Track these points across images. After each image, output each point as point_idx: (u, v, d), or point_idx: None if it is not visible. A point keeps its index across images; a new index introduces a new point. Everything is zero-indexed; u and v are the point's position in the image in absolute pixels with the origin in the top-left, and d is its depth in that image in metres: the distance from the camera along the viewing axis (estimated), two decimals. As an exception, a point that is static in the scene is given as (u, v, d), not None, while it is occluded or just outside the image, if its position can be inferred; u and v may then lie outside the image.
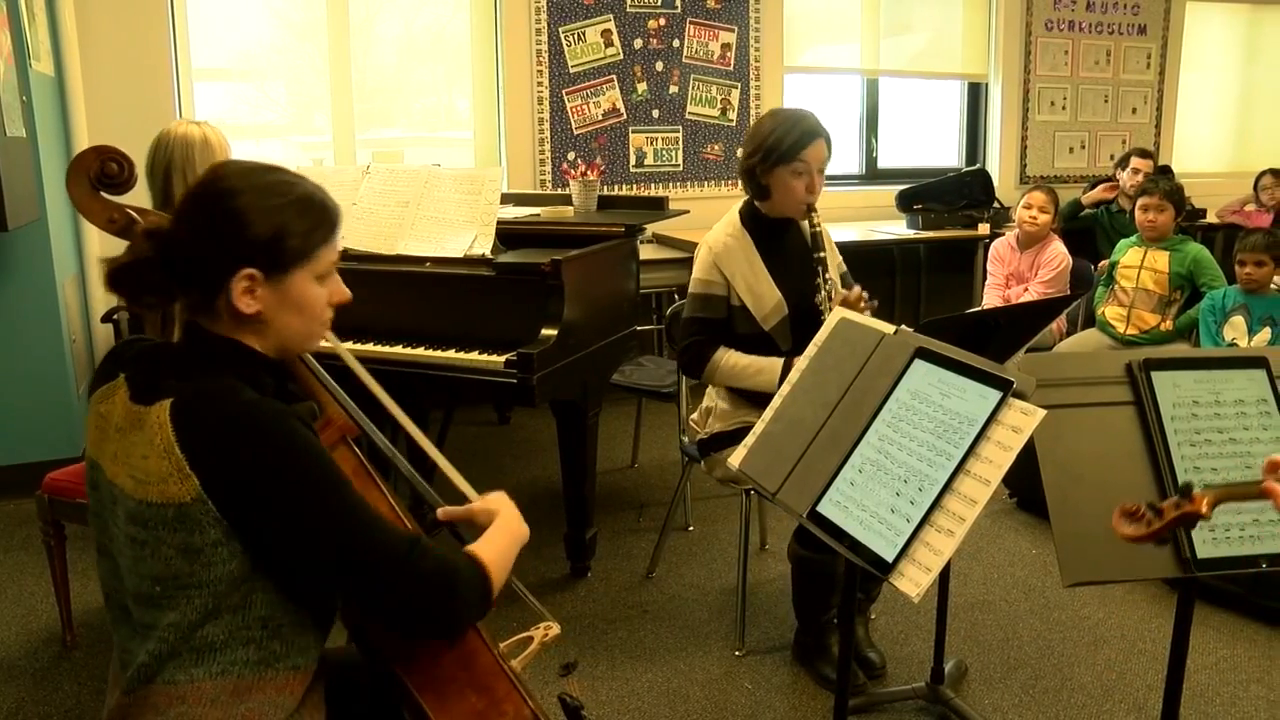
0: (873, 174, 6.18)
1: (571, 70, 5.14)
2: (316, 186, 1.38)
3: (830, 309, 2.51)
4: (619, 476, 4.14)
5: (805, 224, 2.68)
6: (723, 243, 2.68)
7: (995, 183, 5.89)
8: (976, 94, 6.37)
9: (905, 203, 5.60)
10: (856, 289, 2.57)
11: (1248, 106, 7.17)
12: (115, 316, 3.81)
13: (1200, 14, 6.76)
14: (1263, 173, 5.96)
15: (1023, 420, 1.52)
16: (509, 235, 3.16)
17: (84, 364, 4.07)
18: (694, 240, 3.36)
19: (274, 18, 4.77)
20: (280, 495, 1.22)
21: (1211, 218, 6.04)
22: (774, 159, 2.58)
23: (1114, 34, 6.46)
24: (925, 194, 5.63)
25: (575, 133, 5.19)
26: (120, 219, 1.56)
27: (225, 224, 1.28)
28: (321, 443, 1.29)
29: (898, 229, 5.47)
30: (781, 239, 2.73)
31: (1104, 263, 4.57)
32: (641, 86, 5.29)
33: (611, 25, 5.18)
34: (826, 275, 2.60)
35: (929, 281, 6.03)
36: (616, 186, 5.28)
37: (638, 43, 5.24)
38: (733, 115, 5.51)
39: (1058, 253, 4.54)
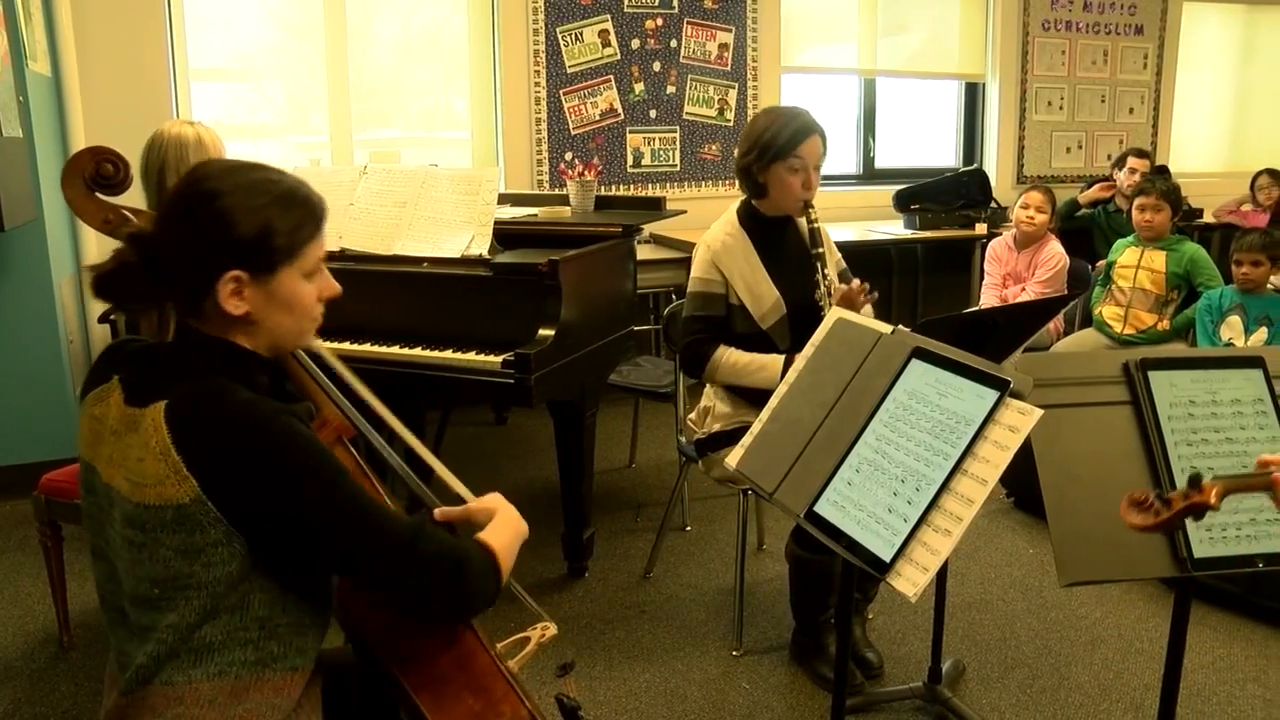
0: (870, 174, 6.18)
1: (569, 70, 5.13)
2: (299, 181, 1.36)
3: (830, 305, 2.52)
4: (616, 477, 4.14)
5: (803, 221, 2.69)
6: (721, 241, 2.68)
7: (992, 183, 5.89)
8: (974, 94, 6.38)
9: (902, 203, 5.60)
10: (856, 281, 2.57)
11: (1244, 106, 7.18)
12: (112, 317, 3.81)
13: (1197, 14, 6.76)
14: (1259, 173, 5.97)
15: (1020, 420, 1.52)
16: (506, 235, 3.15)
17: (81, 364, 4.06)
18: (691, 240, 3.36)
19: (271, 18, 4.76)
20: (282, 492, 1.22)
21: (1208, 217, 6.05)
22: (770, 156, 2.59)
23: (1111, 34, 6.46)
24: (922, 194, 5.63)
25: (572, 133, 5.19)
26: (115, 220, 1.56)
27: (209, 226, 1.27)
28: None
29: (895, 229, 5.48)
30: (780, 238, 2.73)
31: (1101, 263, 4.57)
32: (639, 87, 5.29)
33: (609, 25, 5.18)
34: (825, 271, 2.60)
35: (926, 281, 6.04)
36: (614, 187, 5.27)
37: (635, 43, 5.24)
38: (730, 115, 5.51)
39: (1055, 252, 4.54)
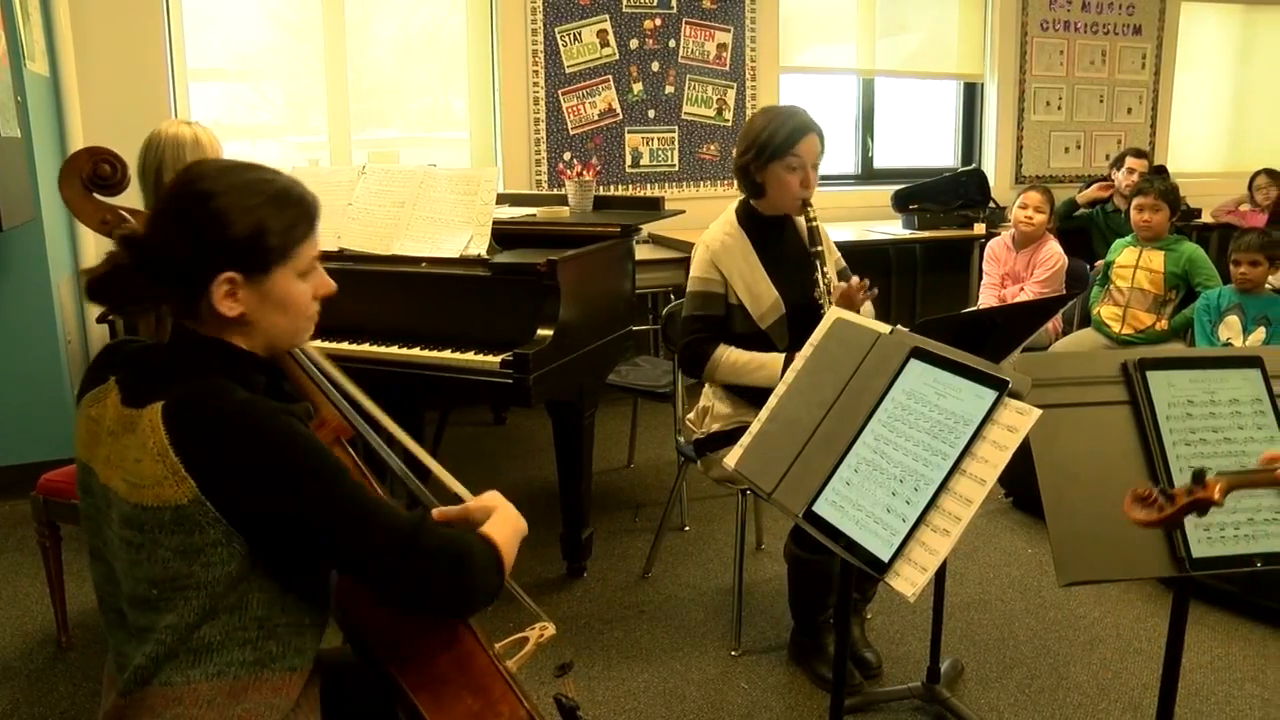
0: (868, 174, 6.19)
1: (567, 70, 5.13)
2: (293, 180, 1.35)
3: (830, 303, 2.52)
4: (615, 477, 4.14)
5: (801, 219, 2.69)
6: (720, 241, 2.68)
7: (991, 182, 5.89)
8: (972, 94, 6.38)
9: (901, 203, 5.60)
10: (855, 278, 2.57)
11: (1242, 106, 7.18)
12: (110, 317, 3.80)
13: (1194, 14, 6.77)
14: (1257, 172, 5.98)
15: (1018, 420, 1.52)
16: (505, 235, 3.15)
17: (79, 364, 4.06)
18: (690, 240, 3.35)
19: (269, 18, 4.76)
20: (282, 491, 1.22)
21: (1206, 217, 6.05)
22: (767, 155, 2.59)
23: (1109, 34, 6.46)
24: (921, 194, 5.63)
25: (571, 133, 5.19)
26: (113, 220, 1.56)
27: (203, 227, 1.26)
28: None
29: (893, 229, 5.48)
30: (778, 238, 2.73)
31: (1100, 262, 4.58)
32: (637, 87, 5.29)
33: (607, 25, 5.17)
34: (824, 269, 2.60)
35: (925, 281, 6.04)
36: (612, 187, 5.27)
37: (634, 43, 5.24)
38: (729, 115, 5.51)
39: (1053, 252, 4.54)
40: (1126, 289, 4.26)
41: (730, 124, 5.51)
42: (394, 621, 1.44)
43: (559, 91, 5.13)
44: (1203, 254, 4.23)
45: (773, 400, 1.97)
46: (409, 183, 3.13)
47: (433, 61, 5.16)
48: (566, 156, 5.18)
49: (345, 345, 2.88)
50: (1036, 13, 6.22)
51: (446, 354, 2.80)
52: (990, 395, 1.56)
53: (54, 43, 4.01)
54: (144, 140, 2.66)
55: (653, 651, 2.76)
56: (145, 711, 1.26)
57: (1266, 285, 3.96)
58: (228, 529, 1.21)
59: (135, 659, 1.26)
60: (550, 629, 1.65)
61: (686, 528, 3.58)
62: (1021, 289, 4.57)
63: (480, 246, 2.96)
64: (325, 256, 3.13)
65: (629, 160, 5.34)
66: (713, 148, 5.51)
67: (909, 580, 1.50)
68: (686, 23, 5.34)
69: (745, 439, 1.96)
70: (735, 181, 2.73)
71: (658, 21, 5.27)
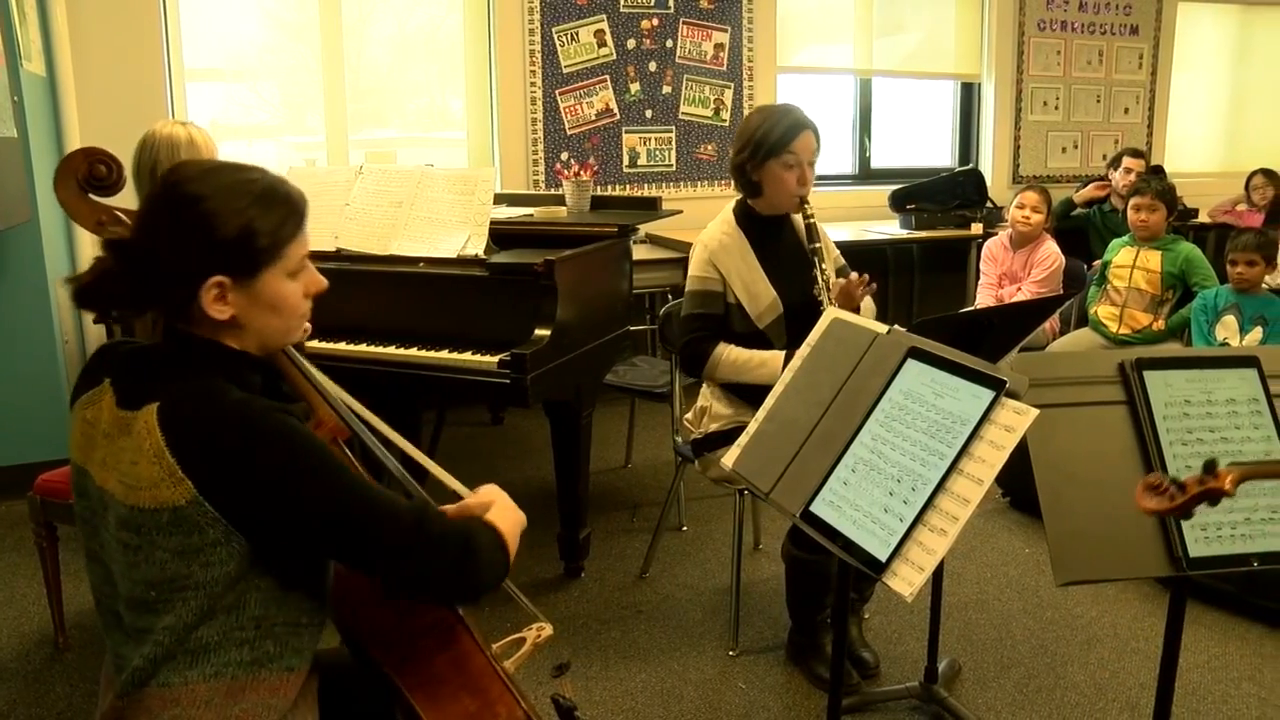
0: (866, 174, 6.19)
1: (564, 70, 5.13)
2: (278, 178, 1.34)
3: (829, 300, 2.52)
4: (612, 477, 4.14)
5: (799, 217, 2.69)
6: (718, 240, 2.68)
7: (988, 182, 5.89)
8: (969, 94, 6.38)
9: (898, 203, 5.60)
10: (854, 274, 2.57)
11: (1239, 106, 7.19)
12: (109, 317, 3.80)
13: (1191, 14, 6.77)
14: (1254, 172, 5.99)
15: (1016, 419, 1.52)
16: (502, 235, 3.15)
17: (76, 365, 4.05)
18: (687, 240, 3.35)
19: (267, 18, 4.76)
20: (282, 489, 1.21)
21: (1203, 217, 6.06)
22: (763, 153, 2.59)
23: (1106, 34, 6.47)
24: (918, 194, 5.63)
25: (568, 133, 5.19)
26: (108, 221, 1.55)
27: (191, 230, 1.25)
28: None
29: (891, 229, 5.48)
30: (776, 237, 2.73)
31: (1097, 262, 4.58)
32: (634, 87, 5.29)
33: (604, 25, 5.17)
34: (823, 266, 2.60)
35: (922, 281, 6.04)
36: (610, 187, 5.27)
37: (631, 43, 5.24)
38: (726, 115, 5.51)
39: (1051, 252, 4.55)
40: (1124, 289, 4.26)
41: (728, 124, 5.51)
42: (391, 622, 1.44)
43: (556, 91, 5.13)
44: (1200, 254, 4.23)
45: (770, 400, 1.97)
46: (406, 183, 3.13)
47: (430, 61, 5.15)
48: (564, 156, 5.18)
49: (343, 345, 2.88)
50: (1034, 13, 6.23)
51: (444, 354, 2.79)
52: (987, 395, 1.56)
53: (51, 43, 4.01)
54: (139, 140, 2.65)
55: (650, 651, 2.76)
56: (143, 713, 1.26)
57: (1263, 285, 3.97)
58: (227, 529, 1.21)
59: (133, 660, 1.26)
60: (548, 629, 1.65)
61: (684, 528, 3.58)
62: (1019, 289, 4.58)
63: (478, 246, 2.96)
64: (323, 257, 3.15)
65: (626, 160, 5.34)
66: (710, 148, 5.51)
67: (906, 580, 1.50)
68: (684, 23, 5.34)
69: (743, 439, 1.97)
70: (732, 181, 2.73)
71: (655, 21, 5.27)
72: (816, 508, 1.69)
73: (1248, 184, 5.99)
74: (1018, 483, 3.59)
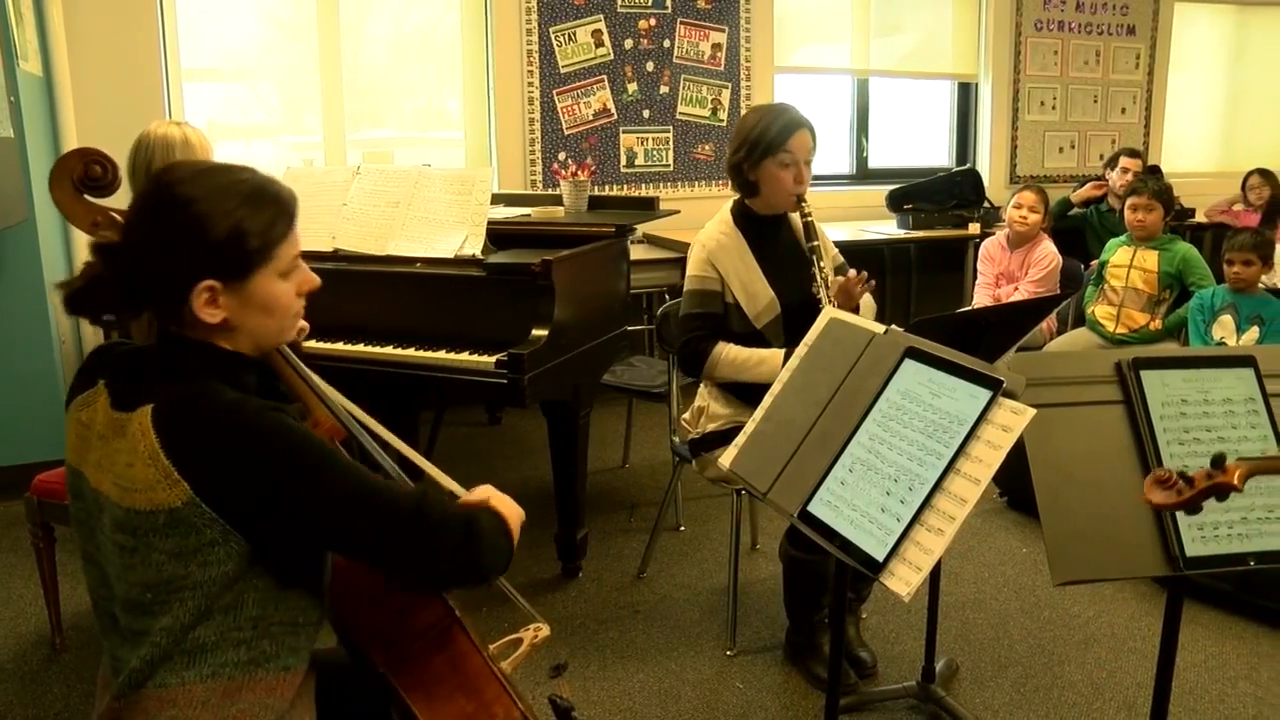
0: (863, 174, 6.19)
1: (562, 70, 5.13)
2: (268, 178, 1.33)
3: (828, 298, 2.52)
4: (610, 477, 4.14)
5: (796, 216, 2.69)
6: (716, 240, 2.68)
7: (985, 182, 5.90)
8: (966, 94, 6.39)
9: (895, 203, 5.61)
10: (852, 272, 2.56)
11: (1235, 106, 7.20)
12: (104, 319, 3.79)
13: (1188, 15, 6.79)
14: (1250, 172, 6.00)
15: (1013, 419, 1.52)
16: (499, 235, 3.15)
17: (73, 365, 4.05)
18: (685, 240, 3.35)
19: (264, 18, 4.75)
20: (280, 486, 1.21)
21: (1200, 217, 6.07)
22: (760, 152, 2.59)
23: (1103, 34, 6.48)
24: (915, 194, 5.64)
25: (566, 133, 5.19)
26: (104, 222, 1.55)
27: (182, 234, 1.24)
28: None
29: (888, 229, 5.48)
30: (774, 237, 2.73)
31: (1094, 262, 4.58)
32: (632, 87, 5.29)
33: (602, 25, 5.17)
34: (821, 264, 2.60)
35: (919, 281, 6.05)
36: (607, 187, 5.27)
37: (628, 43, 5.24)
38: (723, 115, 5.52)
39: (1048, 252, 4.55)
40: (1121, 288, 4.26)
41: (725, 124, 5.51)
42: (387, 623, 1.43)
43: (554, 91, 5.13)
44: (1196, 254, 4.24)
45: (767, 400, 1.97)
46: (404, 183, 3.13)
47: (427, 62, 5.15)
48: (561, 156, 5.18)
49: (340, 345, 2.87)
50: (1031, 13, 6.24)
51: (441, 354, 2.79)
52: (985, 395, 1.57)
53: (47, 42, 4.00)
54: (134, 141, 2.65)
55: (648, 651, 2.76)
56: (140, 714, 1.25)
57: (1260, 285, 3.97)
58: (225, 528, 1.21)
59: (130, 662, 1.25)
60: (545, 630, 1.65)
61: (681, 528, 3.58)
62: (1016, 289, 4.58)
63: (475, 246, 2.95)
64: (320, 257, 3.14)
65: (624, 160, 5.34)
66: (707, 148, 5.51)
67: (904, 580, 1.50)
68: (681, 23, 5.34)
69: (740, 439, 1.97)
70: (729, 181, 2.73)
71: (652, 22, 5.27)
72: (814, 507, 1.69)
73: (1244, 184, 6.00)
74: (1015, 482, 3.59)
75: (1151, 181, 4.36)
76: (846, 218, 5.74)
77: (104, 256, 1.28)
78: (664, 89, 5.36)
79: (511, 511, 1.46)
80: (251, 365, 1.35)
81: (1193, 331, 4.02)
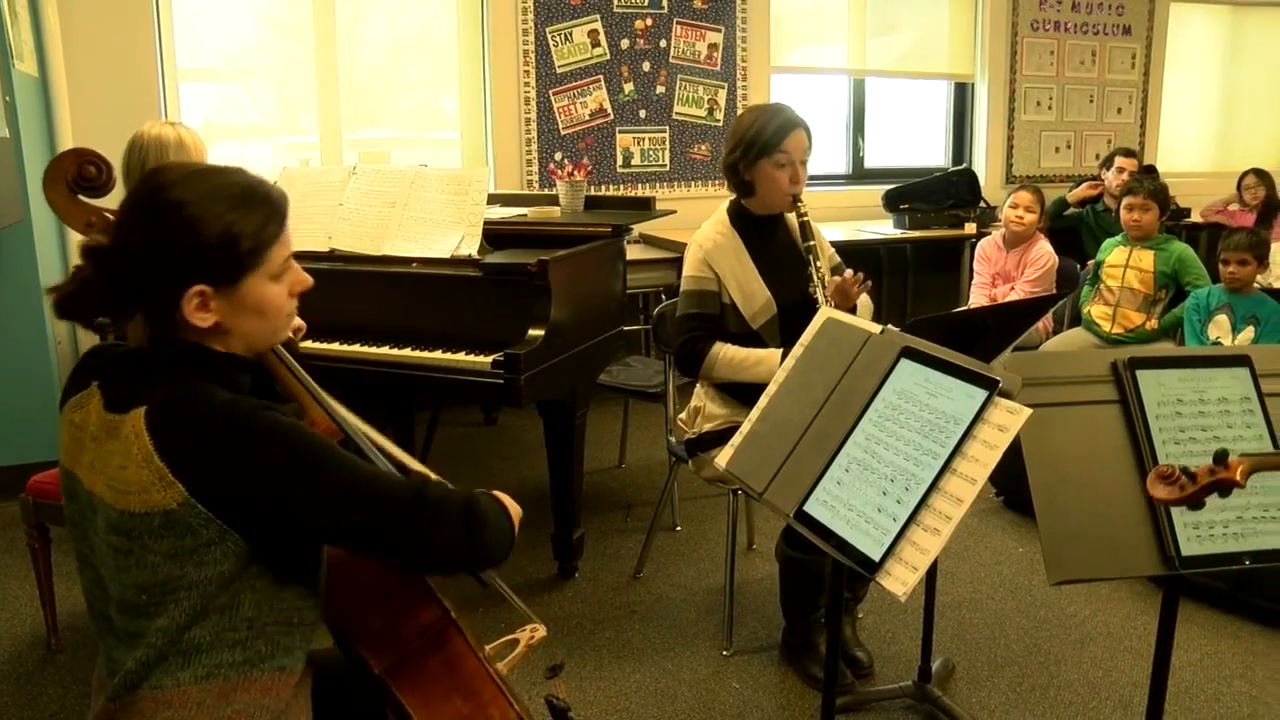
0: (859, 174, 6.20)
1: (558, 70, 5.13)
2: (258, 179, 1.32)
3: (825, 298, 2.52)
4: (606, 477, 4.14)
5: (792, 216, 2.69)
6: (712, 240, 2.68)
7: (981, 182, 5.90)
8: (963, 94, 6.39)
9: (892, 202, 5.61)
10: (849, 272, 2.56)
11: (1231, 106, 7.22)
12: (98, 321, 3.79)
13: (1183, 15, 6.80)
14: (1246, 172, 6.01)
15: (1009, 419, 1.52)
16: (496, 236, 3.15)
17: (68, 366, 4.04)
18: (681, 240, 3.35)
19: (260, 18, 4.75)
20: (277, 482, 1.21)
21: (1196, 217, 6.08)
22: (755, 152, 2.59)
23: (1099, 34, 6.49)
24: (912, 194, 5.64)
25: (562, 133, 5.19)
26: (98, 223, 1.55)
27: (174, 237, 1.23)
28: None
29: (884, 229, 5.49)
30: (770, 237, 2.73)
31: (1090, 262, 4.59)
32: (628, 87, 5.29)
33: (598, 25, 5.17)
34: (818, 264, 2.60)
35: (916, 281, 6.05)
36: (603, 187, 5.27)
37: (625, 43, 5.24)
38: (720, 115, 5.52)
39: (1044, 252, 4.55)
40: (1116, 288, 4.27)
41: (721, 124, 5.51)
42: (383, 624, 1.43)
43: (550, 91, 5.13)
44: (1192, 253, 4.24)
45: (764, 400, 1.97)
46: (400, 183, 3.12)
47: (423, 61, 5.15)
48: (557, 156, 5.17)
49: (336, 346, 2.87)
50: (1027, 13, 6.24)
51: (437, 354, 2.79)
52: (981, 395, 1.57)
53: (43, 42, 4.00)
54: (128, 141, 2.64)
55: (644, 652, 2.76)
56: (135, 715, 1.25)
57: (1255, 284, 3.98)
58: (222, 528, 1.21)
59: (126, 663, 1.25)
60: (541, 630, 1.65)
61: (678, 528, 3.58)
62: (1012, 288, 4.58)
63: (471, 247, 2.95)
64: (316, 257, 3.13)
65: (620, 160, 5.34)
66: (704, 148, 5.51)
67: (900, 579, 1.50)
68: (677, 23, 5.34)
69: (736, 439, 1.96)
70: (725, 181, 2.73)
71: (649, 21, 5.27)
72: (810, 507, 1.69)
73: (1239, 184, 6.01)
74: (1011, 482, 3.59)
75: (1147, 181, 4.37)
76: (843, 218, 5.74)
77: (94, 260, 1.27)
78: (660, 89, 5.36)
79: (511, 503, 1.46)
80: (245, 366, 1.35)
81: (1188, 331, 4.03)
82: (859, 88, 6.10)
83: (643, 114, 5.34)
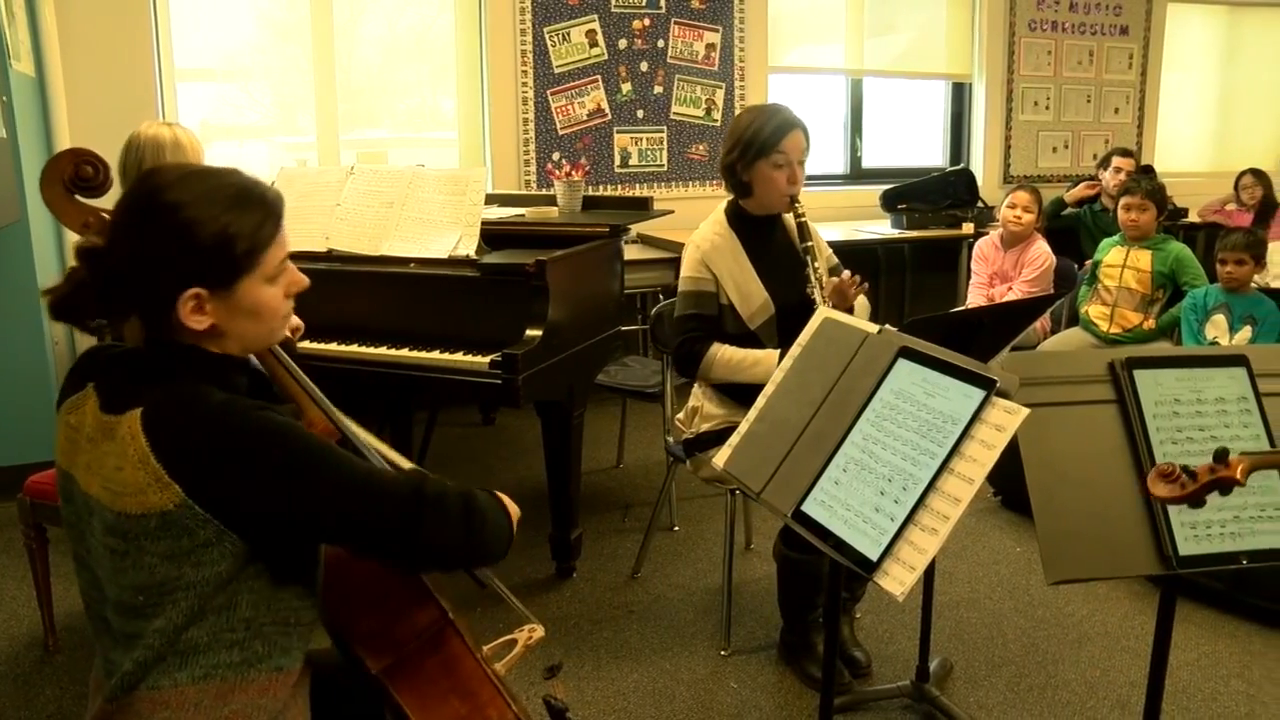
0: (857, 174, 6.20)
1: (556, 71, 5.13)
2: (254, 180, 1.31)
3: (822, 298, 2.52)
4: (604, 477, 4.14)
5: (789, 216, 2.69)
6: (710, 240, 2.68)
7: (979, 182, 5.91)
8: (960, 94, 6.40)
9: (890, 202, 5.61)
10: (846, 273, 2.57)
11: (1228, 106, 7.23)
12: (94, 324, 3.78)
13: (1180, 15, 6.81)
14: (1243, 172, 6.02)
15: (1006, 419, 1.52)
16: (493, 236, 3.15)
17: (66, 366, 4.00)
18: (679, 240, 3.34)
19: (258, 18, 4.74)
20: (275, 482, 1.21)
21: (1193, 217, 6.08)
22: (753, 153, 2.59)
23: (1096, 34, 6.49)
24: (910, 194, 5.65)
25: (560, 133, 5.18)
26: (95, 223, 1.54)
27: (167, 241, 1.22)
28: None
29: (882, 229, 5.49)
30: (767, 238, 2.73)
31: (1088, 262, 4.59)
32: (626, 87, 5.29)
33: (596, 25, 5.17)
34: (816, 265, 2.60)
35: (913, 281, 6.05)
36: (601, 187, 5.27)
37: (622, 43, 5.24)
38: (717, 115, 5.52)
39: (1041, 252, 4.56)
40: (1114, 288, 4.27)
41: (719, 124, 5.51)
42: (380, 625, 1.43)
43: (547, 92, 5.13)
44: (1189, 253, 4.25)
45: (761, 400, 1.97)
46: (397, 183, 3.12)
47: (421, 62, 5.15)
48: (555, 157, 5.17)
49: (334, 346, 2.87)
50: (1024, 13, 6.25)
51: (435, 354, 2.79)
52: (978, 394, 1.57)
53: (40, 42, 3.99)
54: (124, 141, 2.64)
55: (642, 652, 2.76)
56: (133, 716, 1.25)
57: (1252, 284, 3.98)
58: (219, 529, 1.20)
59: (123, 664, 1.25)
60: (539, 631, 1.65)
61: (676, 528, 3.58)
62: (1010, 288, 4.59)
63: (469, 247, 2.95)
64: (314, 257, 3.13)
65: (618, 160, 5.34)
66: (701, 148, 5.51)
67: (898, 579, 1.50)
68: (675, 23, 5.34)
69: (734, 439, 1.96)
70: (723, 182, 2.73)
71: (646, 22, 5.27)
72: (808, 507, 1.69)
73: (1237, 184, 6.02)
74: (1009, 482, 3.59)
75: (1145, 181, 4.37)
76: (840, 218, 5.75)
77: (89, 262, 1.26)
78: (658, 89, 5.36)
79: (509, 507, 1.46)
80: (241, 366, 1.35)
81: (1186, 331, 4.03)
82: (856, 88, 6.10)
83: (640, 114, 5.34)
